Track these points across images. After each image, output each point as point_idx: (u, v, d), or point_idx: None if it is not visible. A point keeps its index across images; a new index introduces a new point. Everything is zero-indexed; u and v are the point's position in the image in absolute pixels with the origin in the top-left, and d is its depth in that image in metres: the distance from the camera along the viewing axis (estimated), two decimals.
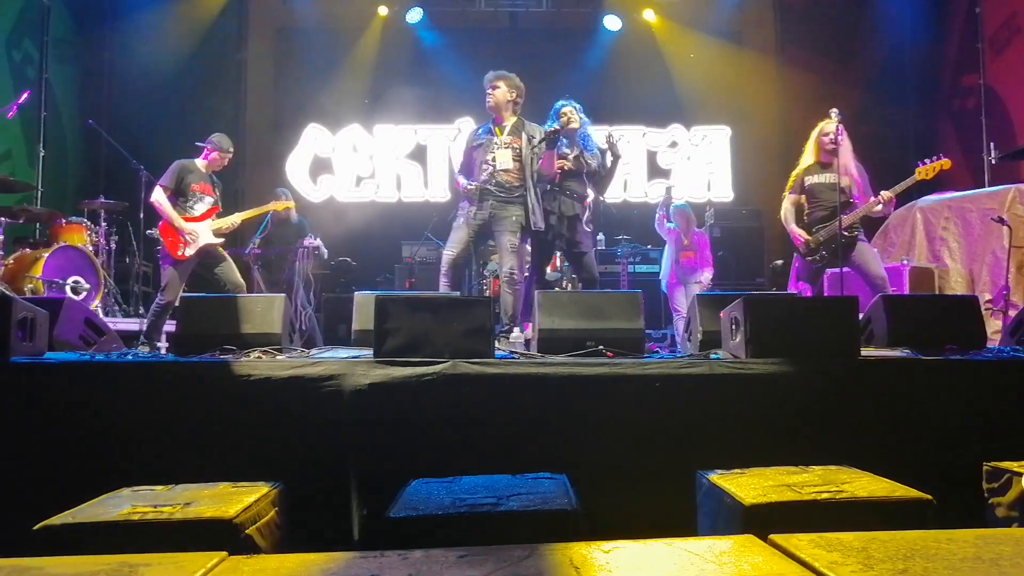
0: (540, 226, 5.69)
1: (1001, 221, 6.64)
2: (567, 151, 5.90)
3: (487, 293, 8.13)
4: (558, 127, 5.59)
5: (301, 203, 9.37)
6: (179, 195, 6.18)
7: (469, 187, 5.62)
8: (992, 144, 8.86)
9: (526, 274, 6.91)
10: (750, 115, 11.13)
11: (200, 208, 6.21)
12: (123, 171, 8.15)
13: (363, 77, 10.66)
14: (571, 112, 5.96)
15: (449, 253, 5.64)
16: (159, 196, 6.10)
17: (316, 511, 3.08)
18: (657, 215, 8.20)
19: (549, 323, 3.97)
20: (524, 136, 5.68)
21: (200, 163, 6.32)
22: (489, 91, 5.77)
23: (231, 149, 6.44)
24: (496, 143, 5.66)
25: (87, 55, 10.20)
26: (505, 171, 5.61)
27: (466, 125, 10.49)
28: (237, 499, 2.40)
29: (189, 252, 6.06)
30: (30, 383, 3.29)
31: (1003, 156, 8.63)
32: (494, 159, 5.62)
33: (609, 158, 6.04)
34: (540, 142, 5.65)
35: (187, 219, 6.10)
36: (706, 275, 7.91)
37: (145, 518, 2.23)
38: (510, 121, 5.77)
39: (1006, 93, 9.03)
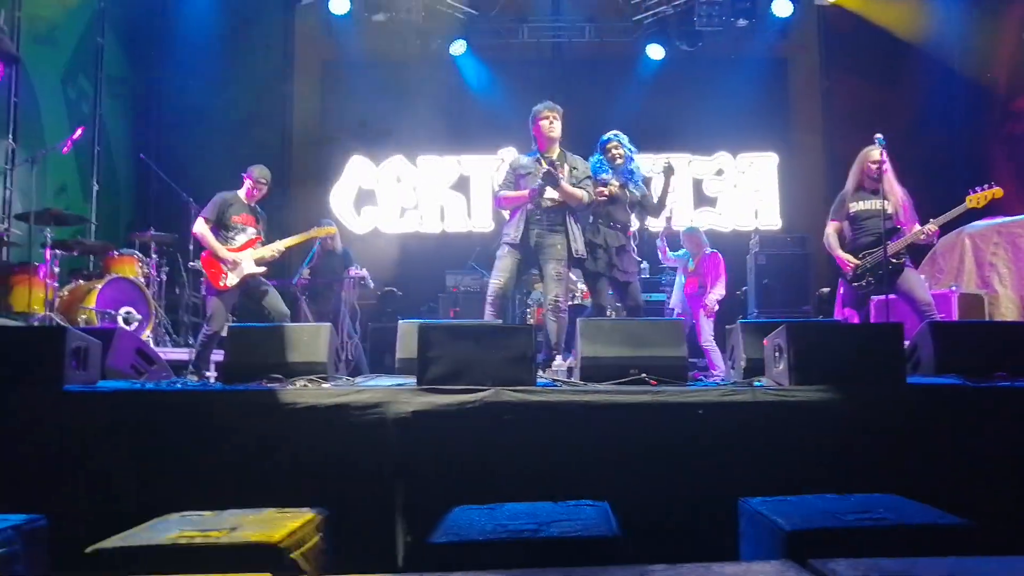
0: (583, 253, 5.71)
1: None
2: (611, 180, 5.94)
3: (531, 321, 8.15)
4: (547, 173, 5.57)
5: (346, 234, 9.51)
6: (221, 227, 6.30)
7: (538, 189, 5.64)
8: None
9: (571, 302, 6.95)
10: (796, 141, 11.07)
11: (241, 239, 6.32)
12: (173, 203, 8.35)
13: (407, 108, 10.79)
14: (615, 147, 6.02)
15: (496, 282, 5.66)
16: (201, 227, 6.24)
17: (360, 537, 3.10)
18: (657, 248, 8.07)
19: (592, 351, 3.97)
20: (567, 167, 5.72)
21: (242, 194, 6.44)
22: (551, 121, 5.76)
23: (266, 179, 6.52)
24: (542, 173, 5.70)
25: (138, 90, 10.53)
26: (552, 200, 5.65)
27: (509, 155, 10.57)
28: (282, 524, 2.44)
29: (231, 282, 6.17)
30: (83, 410, 3.38)
31: None
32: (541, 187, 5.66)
33: (657, 188, 6.11)
34: (585, 178, 5.72)
35: (229, 250, 6.22)
36: (711, 297, 7.72)
37: (193, 542, 2.28)
38: (554, 152, 5.81)
39: None
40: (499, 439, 3.32)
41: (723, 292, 7.76)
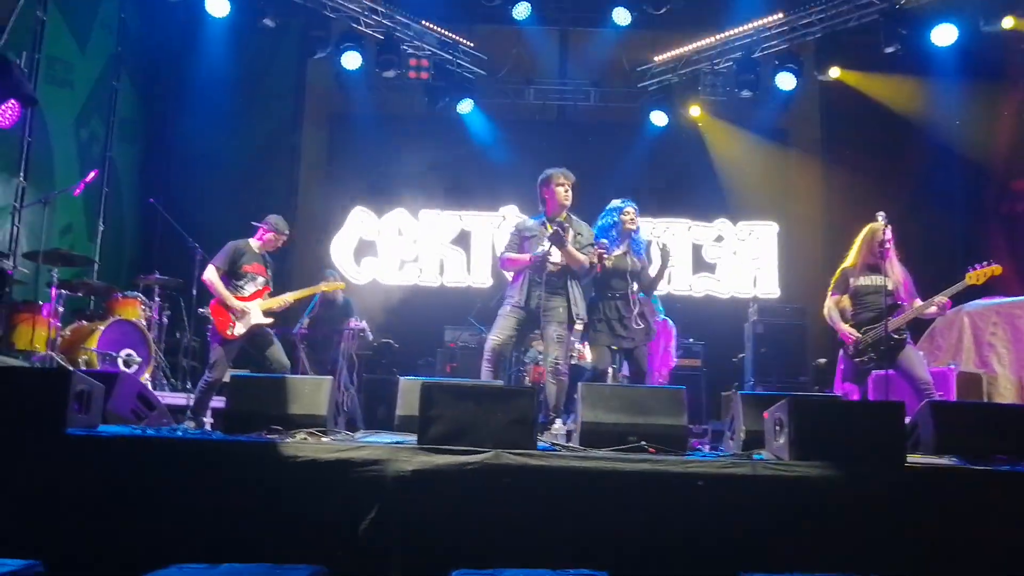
0: (583, 316, 5.74)
1: None
2: (615, 248, 5.98)
3: (527, 380, 8.14)
4: (554, 232, 5.63)
5: (345, 285, 9.55)
6: (232, 275, 6.29)
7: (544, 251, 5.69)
8: None
9: (572, 363, 6.96)
10: (796, 212, 11.18)
11: (251, 288, 6.33)
12: (178, 248, 8.38)
13: (412, 163, 10.92)
14: (633, 212, 6.10)
15: (494, 339, 5.67)
16: (212, 275, 6.24)
17: None
18: None
19: (592, 416, 3.98)
20: (571, 232, 5.78)
21: (254, 243, 6.45)
22: (567, 188, 5.83)
23: (287, 231, 6.56)
24: (547, 236, 5.75)
25: (150, 135, 10.64)
26: (554, 264, 5.69)
27: (510, 212, 10.70)
28: None
29: (239, 331, 6.16)
30: (84, 455, 3.38)
31: None
32: (546, 252, 5.71)
33: (658, 266, 6.14)
34: (588, 244, 5.77)
35: (239, 299, 6.22)
36: (663, 370, 7.73)
37: None
38: (561, 215, 5.87)
39: None
40: (498, 502, 3.31)
41: (674, 361, 7.81)
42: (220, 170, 10.26)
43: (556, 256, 5.69)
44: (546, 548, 3.21)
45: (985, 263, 5.68)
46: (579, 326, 5.87)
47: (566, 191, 5.83)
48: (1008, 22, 8.76)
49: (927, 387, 5.59)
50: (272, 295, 6.46)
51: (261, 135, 10.80)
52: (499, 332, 5.67)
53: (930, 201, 10.30)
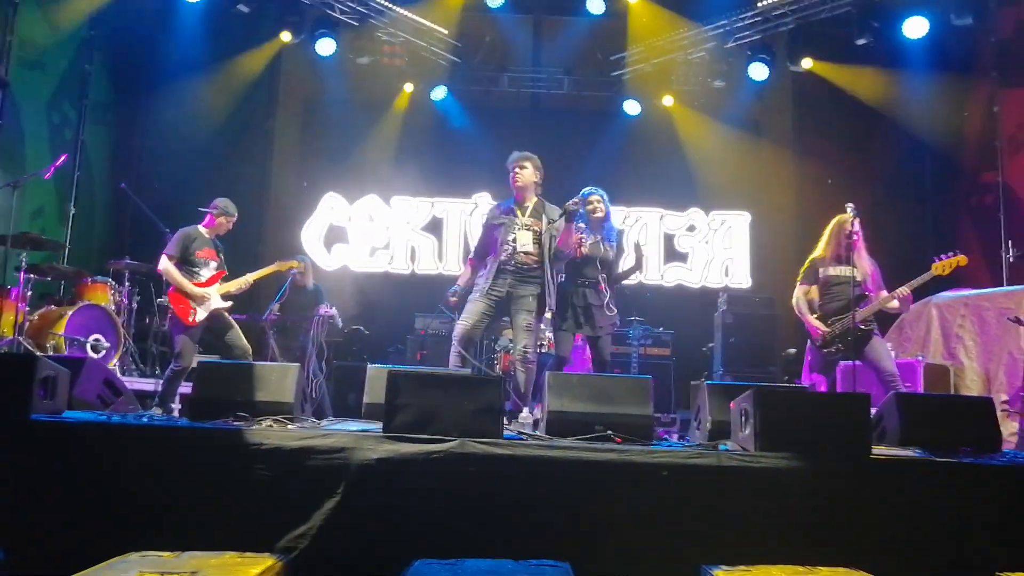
0: (554, 308, 5.73)
1: (1018, 321, 6.61)
2: (587, 236, 5.95)
3: (497, 368, 8.14)
4: (574, 204, 5.60)
5: (315, 271, 9.46)
6: (185, 263, 6.24)
7: (451, 299, 5.92)
8: (1010, 242, 8.88)
9: (539, 351, 6.96)
10: (767, 202, 11.24)
11: (206, 273, 6.28)
12: (149, 233, 8.29)
13: (385, 149, 10.87)
14: (598, 201, 6.07)
15: (463, 324, 5.64)
16: (166, 265, 6.17)
17: None
18: None
19: (558, 405, 3.97)
20: (544, 219, 5.76)
21: (203, 229, 6.40)
22: (516, 171, 5.82)
23: (235, 213, 6.50)
24: (517, 224, 5.73)
25: (122, 119, 10.48)
26: (525, 253, 5.66)
27: (483, 200, 10.67)
28: (243, 570, 2.41)
29: (200, 317, 6.11)
30: (49, 441, 3.35)
31: (1021, 255, 8.65)
32: (515, 240, 5.68)
33: (630, 262, 6.18)
34: (560, 216, 5.68)
35: (196, 284, 6.18)
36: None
37: None
38: (531, 202, 5.85)
39: None
40: (463, 491, 3.30)
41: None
42: (192, 155, 10.13)
43: (528, 246, 5.67)
44: (510, 538, 3.21)
45: (951, 253, 5.73)
46: (548, 315, 5.87)
47: (518, 172, 5.81)
48: (978, 16, 8.85)
49: (893, 379, 5.65)
50: (229, 279, 6.40)
51: (234, 121, 10.65)
52: (467, 318, 5.65)
53: (900, 193, 10.40)
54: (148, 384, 7.44)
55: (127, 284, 8.18)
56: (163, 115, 10.31)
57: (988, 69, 9.69)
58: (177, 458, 3.37)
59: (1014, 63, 9.31)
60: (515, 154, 5.93)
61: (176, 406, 6.31)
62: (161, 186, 9.69)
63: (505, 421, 4.16)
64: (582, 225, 5.94)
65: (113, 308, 7.72)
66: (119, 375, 7.04)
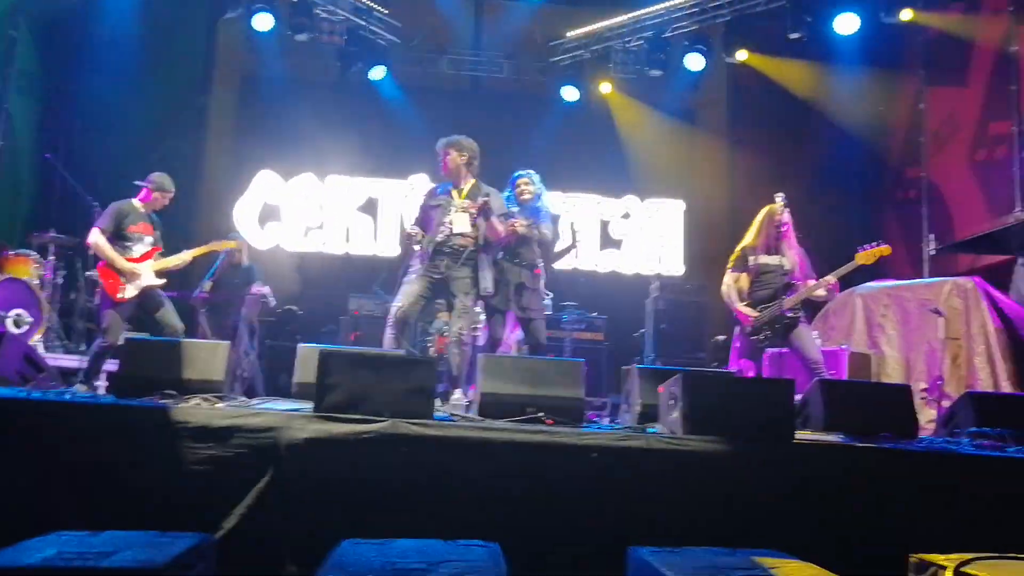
0: (489, 291, 5.73)
1: (938, 312, 6.84)
2: (519, 219, 5.98)
3: (432, 350, 8.13)
4: (483, 203, 5.56)
5: (248, 250, 9.29)
6: (117, 237, 6.07)
7: (418, 241, 5.63)
8: (932, 236, 9.18)
9: (474, 334, 6.97)
10: (701, 191, 11.41)
11: (140, 249, 6.12)
12: (77, 206, 8.04)
13: (322, 128, 10.69)
14: (525, 184, 6.12)
15: (398, 305, 5.58)
16: (97, 238, 5.99)
17: (246, 566, 3.03)
18: None
19: (491, 387, 4.00)
20: (480, 201, 5.74)
21: (138, 203, 6.23)
22: (442, 158, 5.83)
23: (172, 189, 6.32)
24: (454, 206, 5.70)
25: (50, 88, 10.08)
26: (461, 235, 5.64)
27: (420, 181, 10.60)
28: (165, 549, 2.38)
29: (130, 294, 5.95)
30: None
31: (942, 248, 8.94)
32: (451, 222, 5.64)
33: (566, 242, 6.24)
34: (478, 216, 5.66)
35: (128, 260, 6.02)
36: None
37: (71, 564, 2.19)
38: (468, 184, 5.82)
39: (946, 187, 9.39)
40: (393, 471, 3.30)
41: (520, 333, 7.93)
42: (124, 128, 9.81)
43: (464, 228, 5.65)
44: (440, 518, 3.22)
45: (875, 243, 5.90)
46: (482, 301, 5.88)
47: (444, 160, 5.81)
48: (907, 14, 9.10)
49: (817, 366, 5.80)
50: (164, 255, 6.26)
51: (168, 94, 10.34)
52: (403, 299, 5.60)
53: (829, 184, 10.64)
54: (73, 361, 7.22)
55: (52, 258, 7.91)
56: (94, 86, 9.95)
57: (915, 67, 9.98)
58: (100, 436, 3.30)
59: (939, 62, 9.60)
60: (442, 140, 5.91)
61: (101, 383, 6.16)
62: (90, 159, 9.39)
63: (438, 403, 4.17)
64: (515, 209, 5.95)
65: (37, 282, 7.48)
66: (42, 351, 6.85)
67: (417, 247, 5.63)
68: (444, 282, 5.65)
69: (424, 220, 5.84)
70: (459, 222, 5.64)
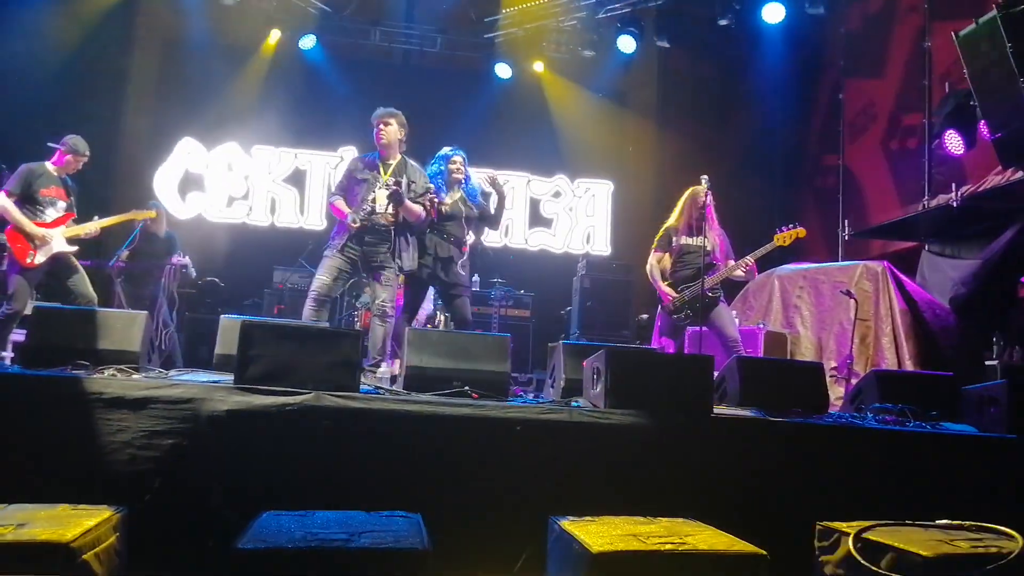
0: (412, 266, 5.73)
1: (849, 295, 7.09)
2: (444, 195, 6.00)
3: (358, 325, 8.07)
4: (394, 191, 5.55)
5: (168, 219, 9.05)
6: (28, 200, 5.87)
7: (353, 223, 5.57)
8: (847, 221, 9.49)
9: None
10: (629, 172, 11.56)
11: (52, 214, 5.93)
12: None
13: (248, 96, 10.49)
14: (461, 162, 6.13)
15: (321, 279, 5.55)
16: (3, 201, 5.79)
17: (162, 538, 2.98)
18: None
19: (417, 360, 3.99)
20: (405, 178, 5.72)
21: (51, 166, 6.03)
22: (381, 127, 5.75)
23: (86, 152, 6.16)
24: (379, 184, 5.67)
25: None
26: (383, 213, 5.63)
27: (349, 153, 10.42)
28: (76, 522, 2.32)
29: (39, 260, 5.77)
30: None
31: (855, 234, 9.26)
32: (374, 200, 5.63)
33: (494, 201, 6.19)
34: (389, 203, 5.64)
35: (39, 225, 5.82)
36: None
37: None
38: (395, 160, 5.80)
39: (862, 175, 9.71)
40: (316, 444, 3.28)
41: (432, 307, 7.96)
42: (36, 89, 9.40)
43: (386, 205, 5.61)
44: (363, 490, 3.22)
45: (791, 225, 6.09)
46: (402, 278, 5.88)
47: (383, 129, 5.75)
48: (829, 7, 9.35)
49: (735, 344, 5.98)
50: (79, 222, 6.06)
51: (84, 56, 9.93)
52: (324, 274, 5.57)
53: (751, 169, 10.89)
54: None
55: None
56: (3, 43, 9.54)
57: (835, 58, 10.27)
58: (7, 407, 3.17)
59: (858, 54, 9.90)
60: (380, 110, 5.85)
61: (8, 354, 5.95)
62: None
63: (362, 376, 4.14)
64: (432, 186, 5.94)
65: None
66: None
67: (355, 225, 5.58)
68: (365, 258, 5.62)
69: (349, 189, 5.78)
70: (382, 200, 5.63)
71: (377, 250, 5.62)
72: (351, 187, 5.78)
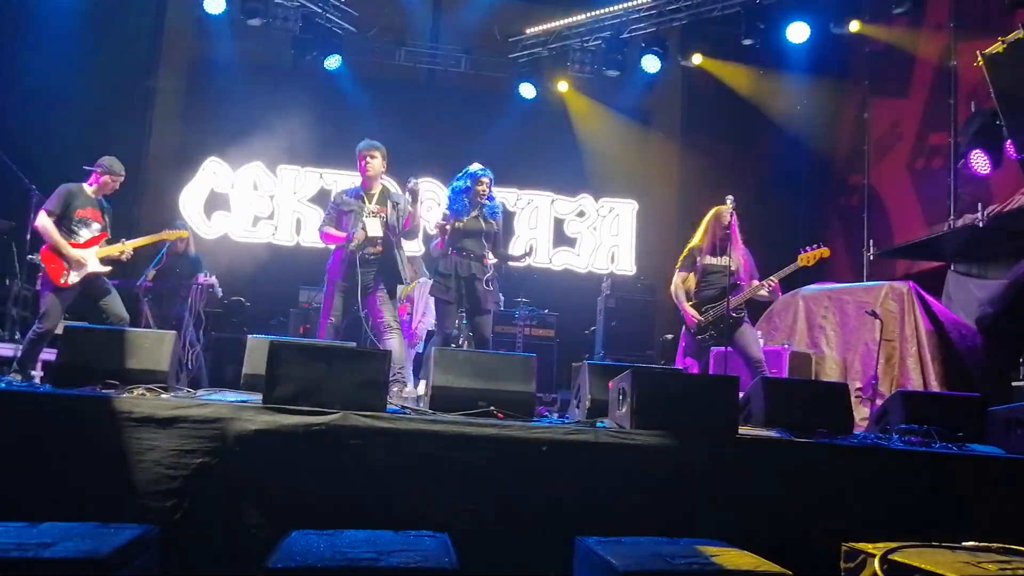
0: (407, 280, 6.03)
1: (874, 315, 7.04)
2: (466, 214, 6.14)
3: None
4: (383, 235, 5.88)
5: (195, 239, 9.14)
6: (65, 220, 5.97)
7: (352, 244, 5.80)
8: (872, 241, 9.44)
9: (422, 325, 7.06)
10: (653, 192, 11.57)
11: (87, 234, 6.02)
12: (12, 190, 7.82)
13: (273, 116, 10.56)
14: (487, 183, 6.26)
15: (329, 322, 5.83)
16: (44, 221, 5.89)
17: (192, 557, 3.00)
18: None
19: (443, 380, 4.00)
20: (389, 203, 6.01)
21: (88, 188, 6.13)
22: (368, 160, 6.01)
23: (122, 173, 6.25)
24: (366, 212, 5.92)
25: None
26: (373, 239, 5.86)
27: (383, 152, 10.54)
28: (108, 540, 2.34)
29: (72, 280, 5.85)
30: None
31: (880, 253, 9.21)
32: (364, 228, 5.86)
33: (520, 251, 6.54)
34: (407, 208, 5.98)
35: (73, 245, 5.91)
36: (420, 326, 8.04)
37: (8, 556, 2.14)
38: (377, 189, 6.06)
39: (887, 194, 9.66)
40: (344, 463, 3.29)
41: (431, 321, 8.01)
42: (65, 109, 9.56)
43: (377, 231, 5.85)
44: (390, 510, 3.23)
45: (816, 246, 6.07)
46: (404, 293, 6.04)
47: (369, 161, 6.00)
48: (854, 26, 9.34)
49: (759, 365, 5.95)
50: (111, 243, 6.14)
51: (113, 75, 10.10)
52: (334, 312, 5.84)
53: (776, 189, 10.88)
54: (7, 349, 7.04)
55: None
56: (34, 64, 9.68)
57: (861, 77, 10.25)
58: (37, 425, 3.21)
59: (884, 73, 9.86)
60: (365, 143, 6.10)
61: (37, 373, 6.02)
62: (28, 140, 9.12)
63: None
64: (446, 212, 6.14)
65: None
66: None
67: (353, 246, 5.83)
68: (362, 287, 5.81)
69: (337, 221, 6.03)
70: (372, 228, 5.87)
71: (370, 277, 5.86)
72: (339, 218, 6.02)
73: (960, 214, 7.72)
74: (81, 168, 6.39)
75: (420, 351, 7.75)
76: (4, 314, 7.97)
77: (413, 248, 6.78)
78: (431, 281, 8.03)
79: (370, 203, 5.96)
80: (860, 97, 10.30)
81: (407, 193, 5.99)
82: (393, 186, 6.17)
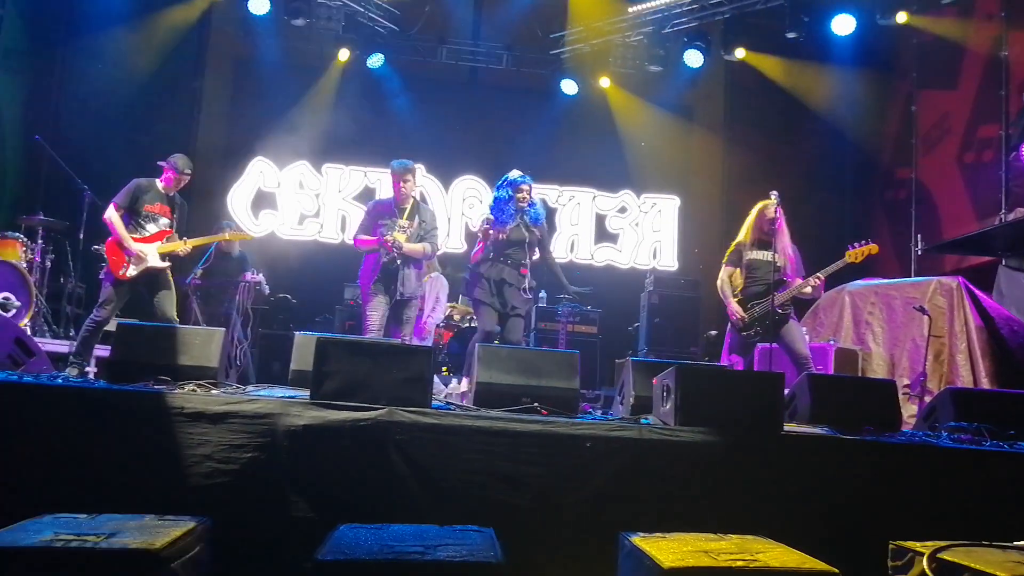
0: (403, 294, 6.13)
1: (922, 311, 6.92)
2: (510, 222, 6.17)
3: (431, 341, 8.17)
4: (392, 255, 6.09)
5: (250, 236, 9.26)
6: (132, 214, 6.11)
7: (388, 246, 6.06)
8: (919, 236, 9.27)
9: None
10: (696, 187, 11.48)
11: (152, 229, 6.16)
12: (65, 189, 8.02)
13: (318, 115, 10.70)
14: (527, 191, 6.30)
15: (372, 332, 6.05)
16: (111, 214, 6.04)
17: (243, 549, 3.07)
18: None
19: (487, 377, 4.04)
20: (417, 219, 6.25)
21: (159, 183, 6.27)
22: (401, 184, 6.22)
23: (188, 170, 6.37)
24: (399, 227, 6.15)
25: (38, 68, 10.00)
26: (398, 252, 6.07)
27: (417, 171, 10.57)
28: (163, 532, 2.40)
29: (131, 273, 5.99)
30: None
31: (928, 248, 9.04)
32: (394, 239, 6.06)
33: (564, 283, 6.63)
34: (432, 229, 6.34)
35: (136, 239, 6.04)
36: (429, 320, 8.07)
37: (68, 546, 2.21)
38: (409, 204, 6.27)
39: (935, 188, 9.48)
40: (390, 458, 3.34)
41: (440, 316, 8.15)
42: (114, 110, 9.77)
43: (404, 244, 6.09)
44: (435, 504, 3.27)
45: (864, 242, 5.98)
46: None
47: (403, 184, 6.23)
48: (901, 17, 9.17)
49: (806, 361, 5.88)
50: (173, 240, 6.27)
51: (160, 77, 10.28)
52: (376, 320, 6.09)
53: (821, 183, 10.74)
54: (62, 346, 7.19)
55: (40, 241, 7.86)
56: (83, 66, 9.92)
57: (908, 70, 10.07)
58: (93, 420, 3.31)
59: (932, 65, 9.68)
60: (400, 165, 6.30)
61: (91, 369, 6.16)
62: (79, 141, 9.32)
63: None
64: (490, 217, 6.18)
65: (24, 266, 7.42)
66: (30, 336, 6.84)
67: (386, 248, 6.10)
68: (396, 298, 6.10)
69: (372, 230, 6.24)
70: (402, 238, 6.10)
71: (402, 290, 6.13)
72: (374, 230, 6.23)
73: (1012, 208, 7.56)
74: (130, 168, 6.54)
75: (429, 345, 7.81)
76: (58, 311, 8.17)
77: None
78: (441, 276, 8.20)
79: (402, 217, 6.20)
80: (907, 90, 10.12)
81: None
82: (426, 193, 6.32)
